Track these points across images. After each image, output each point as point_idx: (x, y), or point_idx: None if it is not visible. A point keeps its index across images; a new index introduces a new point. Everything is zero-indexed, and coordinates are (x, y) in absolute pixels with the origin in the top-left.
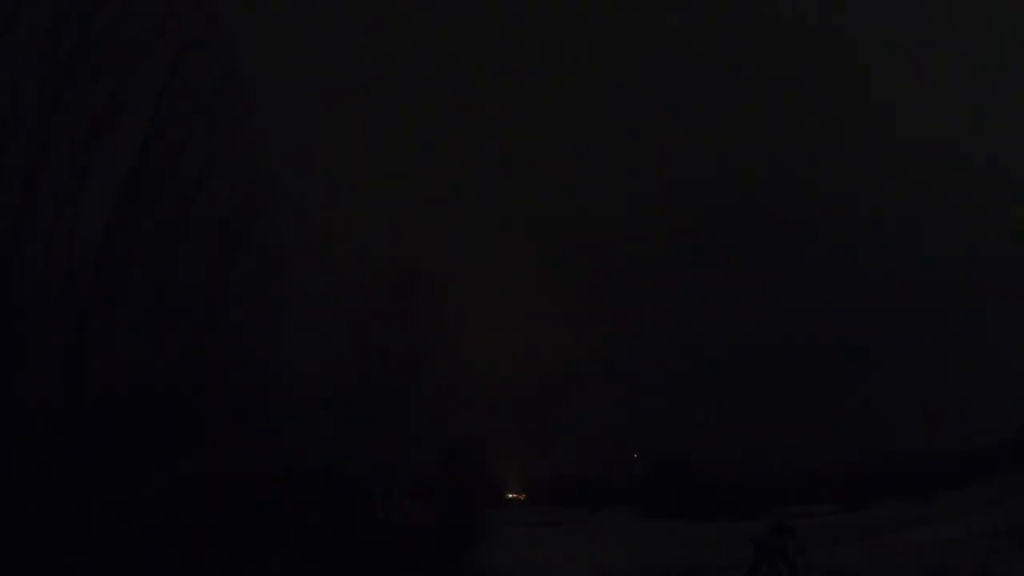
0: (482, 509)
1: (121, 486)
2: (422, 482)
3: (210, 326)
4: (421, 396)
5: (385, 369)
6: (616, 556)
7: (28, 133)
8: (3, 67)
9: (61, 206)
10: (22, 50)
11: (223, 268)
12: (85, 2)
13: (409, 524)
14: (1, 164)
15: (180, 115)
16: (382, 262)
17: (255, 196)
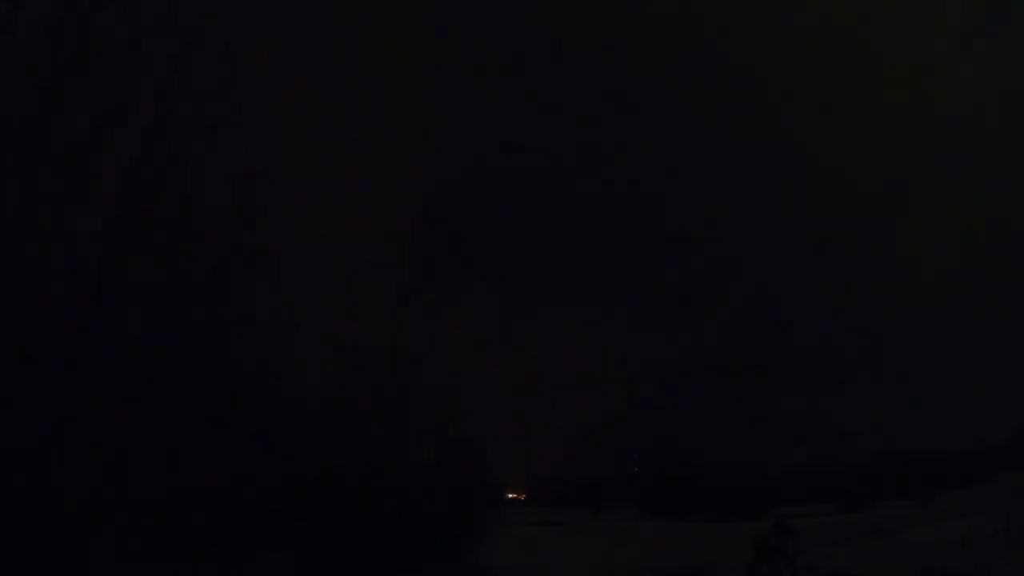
0: (482, 509)
1: (120, 486)
2: (422, 482)
3: (210, 326)
4: (421, 396)
5: (385, 369)
6: (616, 556)
7: (28, 133)
8: (3, 67)
9: (61, 206)
10: (22, 50)
11: (223, 269)
12: (85, 2)
13: (409, 524)
14: (1, 164)
15: (180, 115)
16: (382, 261)
17: (255, 196)
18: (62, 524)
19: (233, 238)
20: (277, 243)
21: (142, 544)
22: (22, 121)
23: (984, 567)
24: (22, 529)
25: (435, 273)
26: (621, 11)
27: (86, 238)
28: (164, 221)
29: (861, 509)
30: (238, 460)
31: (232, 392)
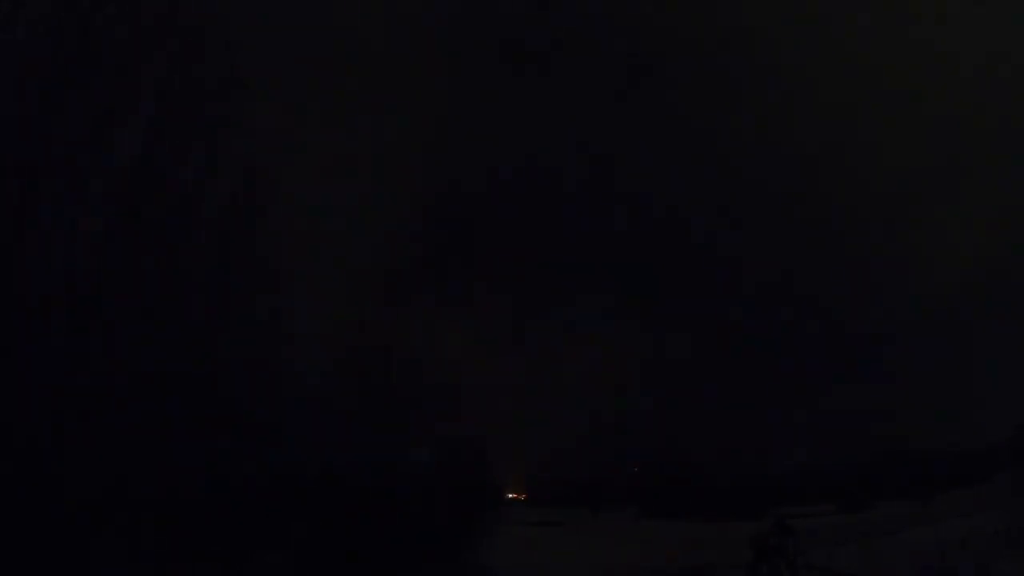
0: (482, 509)
1: (120, 486)
2: (422, 482)
3: (210, 326)
4: (421, 396)
5: (385, 369)
6: (616, 556)
7: (28, 133)
8: (3, 67)
9: (61, 206)
10: (22, 50)
11: (223, 269)
12: (85, 2)
13: (408, 524)
14: (1, 164)
15: (180, 115)
16: (382, 261)
17: (255, 196)
18: (62, 524)
19: (233, 237)
20: (277, 242)
21: (142, 544)
22: (22, 121)
23: (984, 567)
24: (22, 529)
25: (435, 273)
26: (623, 10)
27: (86, 238)
28: (164, 221)
29: (861, 509)
30: (238, 460)
31: (232, 392)
